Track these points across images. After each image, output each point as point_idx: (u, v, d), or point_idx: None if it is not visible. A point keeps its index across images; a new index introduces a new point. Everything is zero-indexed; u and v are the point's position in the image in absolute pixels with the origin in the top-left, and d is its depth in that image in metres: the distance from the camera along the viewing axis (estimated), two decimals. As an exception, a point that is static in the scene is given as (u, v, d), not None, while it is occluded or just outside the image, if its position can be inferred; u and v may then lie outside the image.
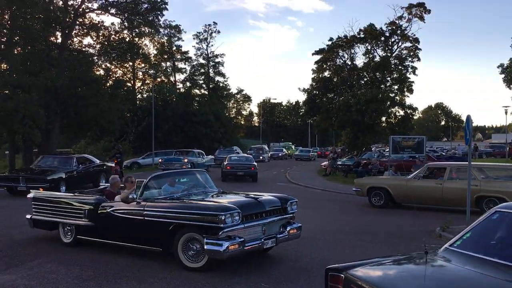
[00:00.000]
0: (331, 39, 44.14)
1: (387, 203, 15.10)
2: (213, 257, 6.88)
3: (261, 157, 45.09)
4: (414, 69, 43.60)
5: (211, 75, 75.03)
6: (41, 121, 26.21)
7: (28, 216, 9.59)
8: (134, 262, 7.71)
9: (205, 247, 6.82)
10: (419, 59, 43.51)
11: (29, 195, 9.80)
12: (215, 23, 75.06)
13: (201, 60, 73.89)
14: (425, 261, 3.85)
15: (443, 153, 43.12)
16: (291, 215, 8.04)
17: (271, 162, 47.92)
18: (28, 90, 26.14)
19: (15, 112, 24.73)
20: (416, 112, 47.55)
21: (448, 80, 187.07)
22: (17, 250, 8.69)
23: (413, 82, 43.59)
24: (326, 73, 45.91)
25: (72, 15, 31.26)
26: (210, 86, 74.67)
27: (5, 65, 27.40)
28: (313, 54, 45.33)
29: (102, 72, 34.94)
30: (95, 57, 33.42)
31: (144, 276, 6.98)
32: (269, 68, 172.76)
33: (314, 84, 46.06)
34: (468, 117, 11.68)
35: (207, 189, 8.69)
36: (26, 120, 25.47)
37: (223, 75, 76.53)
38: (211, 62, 74.30)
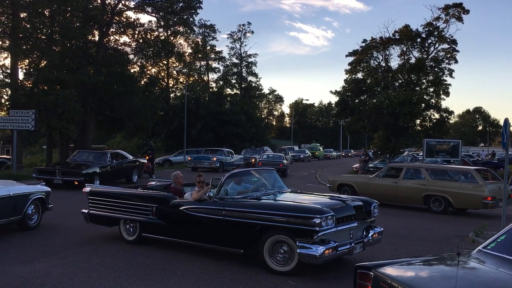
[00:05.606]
0: (364, 40, 43.68)
1: None
2: (306, 262, 6.53)
3: None
4: (451, 71, 42.71)
5: (243, 75, 75.59)
6: (78, 117, 26.92)
7: (85, 211, 9.08)
8: (165, 255, 7.83)
9: (298, 251, 6.48)
10: (456, 61, 42.61)
11: (85, 189, 9.18)
12: (249, 23, 75.97)
13: (235, 60, 74.56)
14: (457, 262, 3.77)
15: (480, 158, 41.80)
16: (373, 218, 7.81)
17: (293, 164, 46.28)
18: (67, 86, 26.86)
19: (54, 107, 25.46)
20: (452, 116, 46.59)
21: (488, 83, 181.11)
22: (53, 240, 8.93)
23: (449, 84, 42.76)
24: (360, 75, 45.43)
25: (109, 13, 31.95)
26: (243, 85, 75.17)
27: (44, 61, 28.18)
28: (346, 56, 44.98)
29: (137, 69, 35.61)
30: (131, 55, 34.08)
31: (174, 268, 7.08)
32: (303, 69, 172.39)
33: (346, 86, 45.64)
34: (506, 120, 11.25)
35: (279, 189, 8.24)
36: (64, 115, 26.17)
37: (255, 75, 77.06)
38: (244, 62, 74.85)
